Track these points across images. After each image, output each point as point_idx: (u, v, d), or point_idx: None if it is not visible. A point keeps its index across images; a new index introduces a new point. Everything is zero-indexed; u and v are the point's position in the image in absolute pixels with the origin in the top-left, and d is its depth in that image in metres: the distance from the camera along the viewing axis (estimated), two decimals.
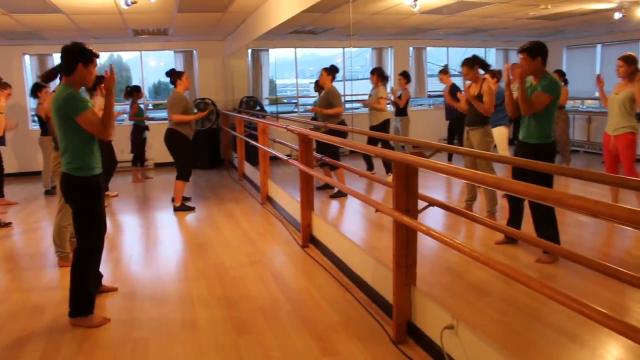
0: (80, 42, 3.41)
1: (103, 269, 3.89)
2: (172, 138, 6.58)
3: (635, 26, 9.17)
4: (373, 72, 8.00)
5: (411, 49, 11.60)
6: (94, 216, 3.41)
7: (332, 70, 6.91)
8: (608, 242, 5.06)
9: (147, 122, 8.84)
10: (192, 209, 6.71)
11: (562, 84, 8.30)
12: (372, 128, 7.73)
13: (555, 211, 4.27)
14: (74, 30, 7.92)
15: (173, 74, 6.60)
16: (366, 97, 8.18)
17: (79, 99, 3.29)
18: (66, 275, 3.62)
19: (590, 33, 10.77)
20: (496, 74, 7.07)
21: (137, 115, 8.42)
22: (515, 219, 4.66)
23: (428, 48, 11.76)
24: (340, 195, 6.89)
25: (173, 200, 6.80)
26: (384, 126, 7.88)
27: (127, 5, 5.48)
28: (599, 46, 11.23)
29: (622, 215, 1.57)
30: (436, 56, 12.06)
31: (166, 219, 6.35)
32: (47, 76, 3.58)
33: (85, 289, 3.42)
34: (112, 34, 8.73)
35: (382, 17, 7.85)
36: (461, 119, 6.45)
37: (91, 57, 3.38)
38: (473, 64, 5.58)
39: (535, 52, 4.22)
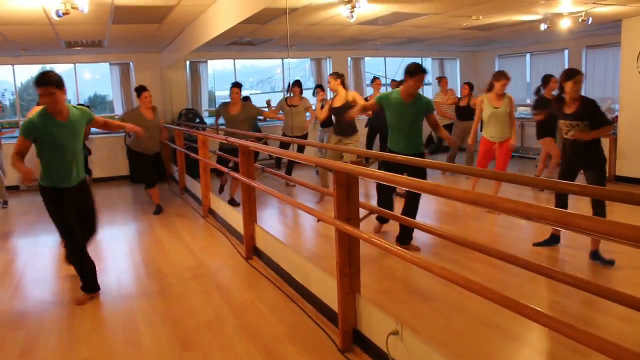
0: None
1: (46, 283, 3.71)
2: (129, 155, 7.41)
3: (559, 36, 9.66)
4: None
5: (349, 59, 11.75)
6: (57, 217, 3.93)
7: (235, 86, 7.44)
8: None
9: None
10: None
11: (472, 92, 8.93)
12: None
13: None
14: (1, 41, 7.59)
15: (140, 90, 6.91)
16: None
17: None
18: None
19: (520, 43, 11.26)
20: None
21: None
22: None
23: (366, 58, 11.96)
24: (235, 204, 6.83)
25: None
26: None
27: (59, 16, 5.26)
28: (528, 55, 11.76)
29: (552, 217, 1.65)
30: (374, 66, 12.27)
31: (106, 234, 6.15)
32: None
33: (80, 270, 4.04)
34: (43, 45, 8.40)
35: (319, 28, 7.93)
36: (381, 129, 6.65)
37: None
38: (337, 76, 6.14)
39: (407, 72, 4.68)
